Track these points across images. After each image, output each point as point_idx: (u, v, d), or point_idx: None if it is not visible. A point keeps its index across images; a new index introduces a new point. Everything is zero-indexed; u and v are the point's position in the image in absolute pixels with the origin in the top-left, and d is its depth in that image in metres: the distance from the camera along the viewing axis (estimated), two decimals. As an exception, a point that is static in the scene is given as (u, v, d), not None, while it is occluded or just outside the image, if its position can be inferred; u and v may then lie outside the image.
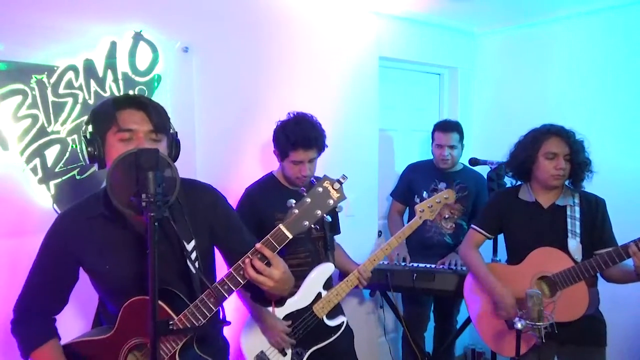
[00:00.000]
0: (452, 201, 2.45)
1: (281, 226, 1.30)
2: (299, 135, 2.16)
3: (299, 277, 2.19)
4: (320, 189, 1.30)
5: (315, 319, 2.22)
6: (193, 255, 1.45)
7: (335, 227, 2.52)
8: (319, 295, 2.24)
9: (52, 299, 1.51)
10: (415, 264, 2.85)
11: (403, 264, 2.87)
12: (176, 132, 1.48)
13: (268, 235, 1.31)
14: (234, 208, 2.22)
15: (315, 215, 1.29)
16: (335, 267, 2.36)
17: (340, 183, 1.31)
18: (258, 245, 1.31)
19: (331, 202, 1.29)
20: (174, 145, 1.47)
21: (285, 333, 2.15)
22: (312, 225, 1.31)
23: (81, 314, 1.94)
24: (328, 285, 2.28)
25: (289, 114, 2.27)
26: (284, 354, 2.18)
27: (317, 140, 2.20)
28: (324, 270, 2.26)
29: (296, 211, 1.29)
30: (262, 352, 2.18)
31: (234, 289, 1.35)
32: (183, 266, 1.43)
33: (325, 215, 1.31)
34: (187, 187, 1.50)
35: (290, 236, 1.31)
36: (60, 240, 1.46)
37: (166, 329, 1.27)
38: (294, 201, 1.32)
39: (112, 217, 1.42)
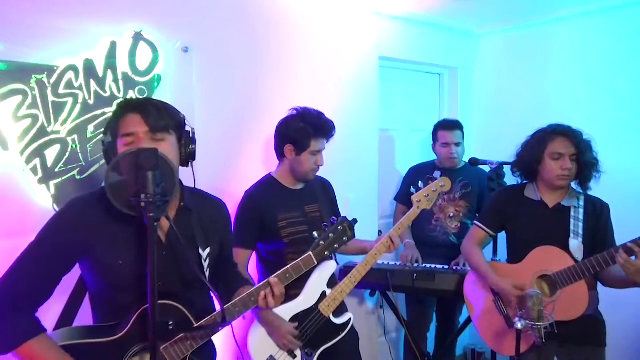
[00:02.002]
0: (448, 189, 2.37)
1: (311, 254, 1.67)
2: (319, 123, 2.22)
3: (302, 277, 2.18)
4: (341, 228, 1.74)
5: (322, 318, 2.19)
6: (206, 264, 1.51)
7: None
8: (323, 294, 2.21)
9: (41, 289, 1.39)
10: (416, 264, 2.85)
11: (416, 264, 2.85)
12: (193, 130, 1.47)
13: (299, 260, 1.64)
14: (236, 210, 2.23)
15: (334, 248, 1.72)
16: (350, 254, 2.42)
17: (354, 225, 1.79)
18: (272, 280, 1.55)
19: (345, 239, 1.75)
20: (187, 143, 1.45)
21: (291, 334, 2.11)
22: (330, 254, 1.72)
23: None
24: (332, 283, 2.26)
25: (292, 109, 2.27)
26: (294, 356, 2.15)
27: (334, 127, 2.27)
28: (327, 268, 2.24)
29: (322, 243, 1.71)
30: (271, 356, 2.14)
31: (244, 310, 1.53)
32: (196, 273, 1.44)
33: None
34: (199, 197, 1.57)
35: (316, 263, 1.68)
36: (68, 226, 1.39)
37: (166, 330, 1.28)
38: (316, 234, 1.73)
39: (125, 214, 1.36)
